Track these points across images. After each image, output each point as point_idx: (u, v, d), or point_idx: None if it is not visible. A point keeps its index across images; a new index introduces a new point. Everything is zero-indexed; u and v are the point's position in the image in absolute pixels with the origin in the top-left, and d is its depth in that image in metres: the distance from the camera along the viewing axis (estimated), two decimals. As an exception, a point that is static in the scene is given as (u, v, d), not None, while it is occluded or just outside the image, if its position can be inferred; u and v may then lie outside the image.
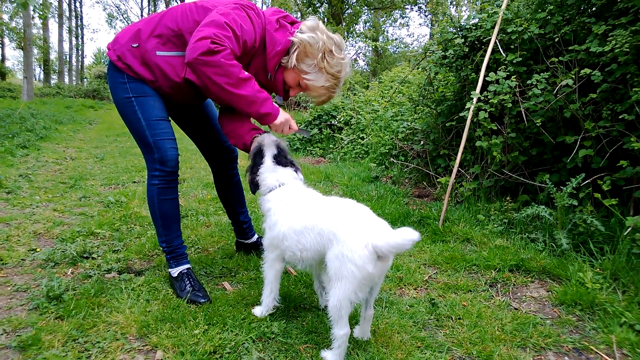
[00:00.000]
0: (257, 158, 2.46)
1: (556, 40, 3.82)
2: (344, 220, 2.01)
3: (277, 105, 2.51)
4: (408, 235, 1.77)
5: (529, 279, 3.00)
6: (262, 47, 2.49)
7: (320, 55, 2.45)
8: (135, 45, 2.51)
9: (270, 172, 2.42)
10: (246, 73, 2.31)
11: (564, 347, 2.25)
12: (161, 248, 2.81)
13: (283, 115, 2.50)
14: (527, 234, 3.53)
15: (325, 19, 24.75)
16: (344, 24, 25.08)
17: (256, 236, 3.35)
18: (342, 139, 8.22)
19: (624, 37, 3.16)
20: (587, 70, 3.38)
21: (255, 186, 2.46)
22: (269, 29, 2.47)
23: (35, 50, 30.99)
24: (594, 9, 3.79)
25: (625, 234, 2.99)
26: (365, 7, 27.12)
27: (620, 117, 3.26)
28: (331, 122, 8.83)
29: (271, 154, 2.46)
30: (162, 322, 2.32)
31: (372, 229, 1.94)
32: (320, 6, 26.08)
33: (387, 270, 2.23)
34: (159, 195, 2.65)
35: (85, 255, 3.23)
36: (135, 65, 2.52)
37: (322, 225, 2.06)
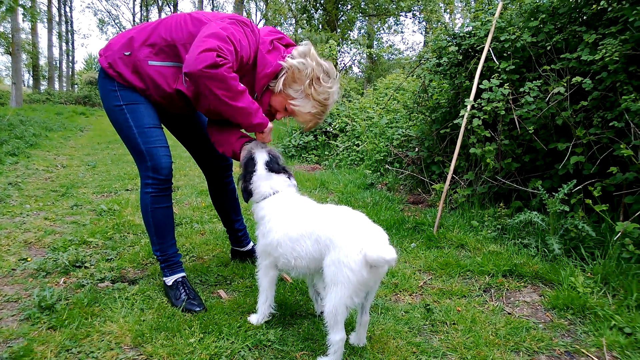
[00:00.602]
0: (249, 165, 2.46)
1: (548, 48, 3.87)
2: (340, 226, 2.03)
3: None
4: (383, 253, 1.83)
5: (522, 284, 3.02)
6: (253, 65, 2.49)
7: (308, 82, 2.45)
8: (127, 53, 2.50)
9: (263, 180, 2.42)
10: (242, 85, 2.32)
11: (557, 350, 2.27)
12: (155, 257, 2.80)
13: (269, 124, 2.55)
14: (520, 240, 3.56)
15: (320, 26, 24.87)
16: (338, 30, 25.19)
17: (251, 244, 3.35)
18: (337, 145, 8.24)
19: (613, 46, 3.21)
20: (579, 78, 3.43)
21: (248, 194, 2.46)
22: (261, 49, 2.47)
23: (24, 56, 30.69)
24: (584, 18, 3.85)
25: (615, 239, 3.03)
26: (360, 14, 27.29)
27: (610, 124, 3.31)
28: (326, 129, 8.85)
29: (263, 161, 2.46)
30: (157, 331, 2.31)
31: (366, 237, 1.96)
32: (315, 12, 26.22)
33: (383, 276, 2.24)
34: (153, 203, 2.64)
35: (77, 265, 3.21)
36: (126, 74, 2.51)
37: (320, 232, 2.08)
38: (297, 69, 2.42)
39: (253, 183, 2.43)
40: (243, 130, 2.71)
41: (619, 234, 3.01)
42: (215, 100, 2.29)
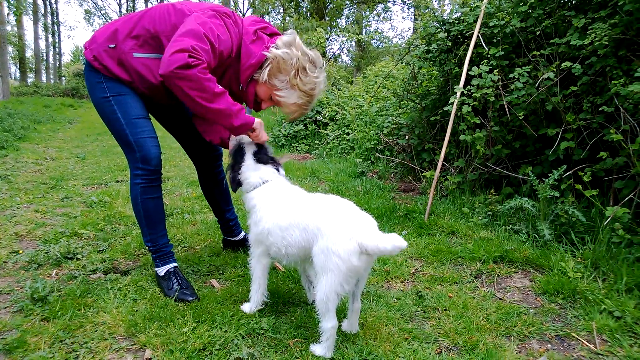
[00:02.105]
0: (238, 156, 2.46)
1: (537, 33, 3.87)
2: (328, 214, 2.05)
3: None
4: (397, 242, 1.83)
5: (513, 270, 3.05)
6: (237, 57, 2.46)
7: (293, 72, 2.41)
8: (112, 45, 2.47)
9: (252, 170, 2.43)
10: (220, 87, 2.29)
11: (547, 334, 2.30)
12: (147, 247, 2.79)
13: (259, 122, 2.49)
14: (510, 226, 3.58)
15: (308, 14, 24.68)
16: (327, 18, 25.03)
17: (243, 233, 3.35)
18: (327, 134, 8.23)
19: (603, 30, 3.22)
20: (568, 64, 3.44)
21: (237, 184, 2.47)
22: (245, 39, 2.43)
23: (10, 48, 30.23)
24: (573, 2, 3.84)
25: (605, 223, 3.05)
26: (348, 1, 27.10)
27: (600, 109, 3.32)
28: (316, 117, 8.82)
29: (251, 152, 2.47)
30: (150, 321, 2.31)
31: (357, 224, 1.97)
32: (303, 0, 26.01)
33: (372, 263, 2.25)
34: (143, 194, 2.63)
35: (69, 256, 3.19)
36: (111, 66, 2.49)
37: (307, 220, 2.10)
38: (282, 59, 2.38)
39: (242, 174, 2.44)
40: None
41: (608, 219, 3.04)
42: (190, 102, 2.26)
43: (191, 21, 2.27)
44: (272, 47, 2.43)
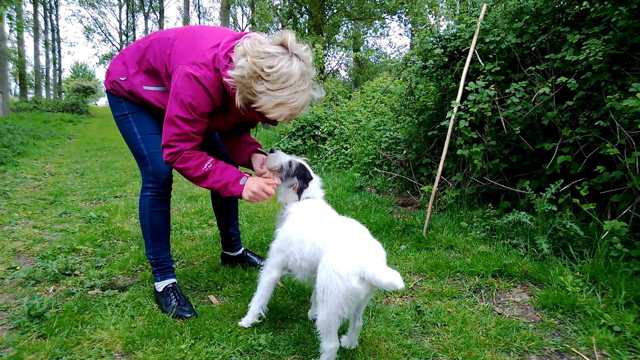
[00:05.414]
0: (306, 172, 2.53)
1: (533, 49, 3.92)
2: (338, 234, 2.07)
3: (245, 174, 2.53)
4: (395, 280, 1.79)
5: (512, 284, 3.04)
6: (225, 90, 2.39)
7: (253, 81, 2.17)
8: (123, 79, 2.59)
9: (316, 185, 2.54)
10: (204, 168, 2.42)
11: (547, 349, 2.29)
12: (148, 260, 2.81)
13: (251, 186, 2.47)
14: (509, 240, 3.59)
15: (307, 30, 24.90)
16: (325, 34, 25.25)
17: (242, 249, 3.34)
18: (325, 149, 8.25)
19: (597, 46, 3.26)
20: (563, 79, 3.47)
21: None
22: (221, 69, 2.30)
23: (10, 65, 30.42)
24: (568, 18, 3.89)
25: (603, 237, 3.06)
26: (346, 18, 27.36)
27: (596, 123, 3.35)
28: (314, 132, 8.85)
29: (311, 170, 2.57)
30: (147, 338, 2.30)
31: (364, 249, 1.96)
32: (301, 17, 26.26)
33: (374, 291, 2.22)
34: (150, 206, 2.70)
35: (67, 272, 3.18)
36: (127, 96, 2.62)
37: (317, 236, 2.13)
38: (240, 76, 2.18)
39: (308, 186, 2.51)
40: (253, 136, 2.81)
41: (606, 233, 3.04)
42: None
43: (171, 100, 2.33)
44: (229, 71, 2.24)
